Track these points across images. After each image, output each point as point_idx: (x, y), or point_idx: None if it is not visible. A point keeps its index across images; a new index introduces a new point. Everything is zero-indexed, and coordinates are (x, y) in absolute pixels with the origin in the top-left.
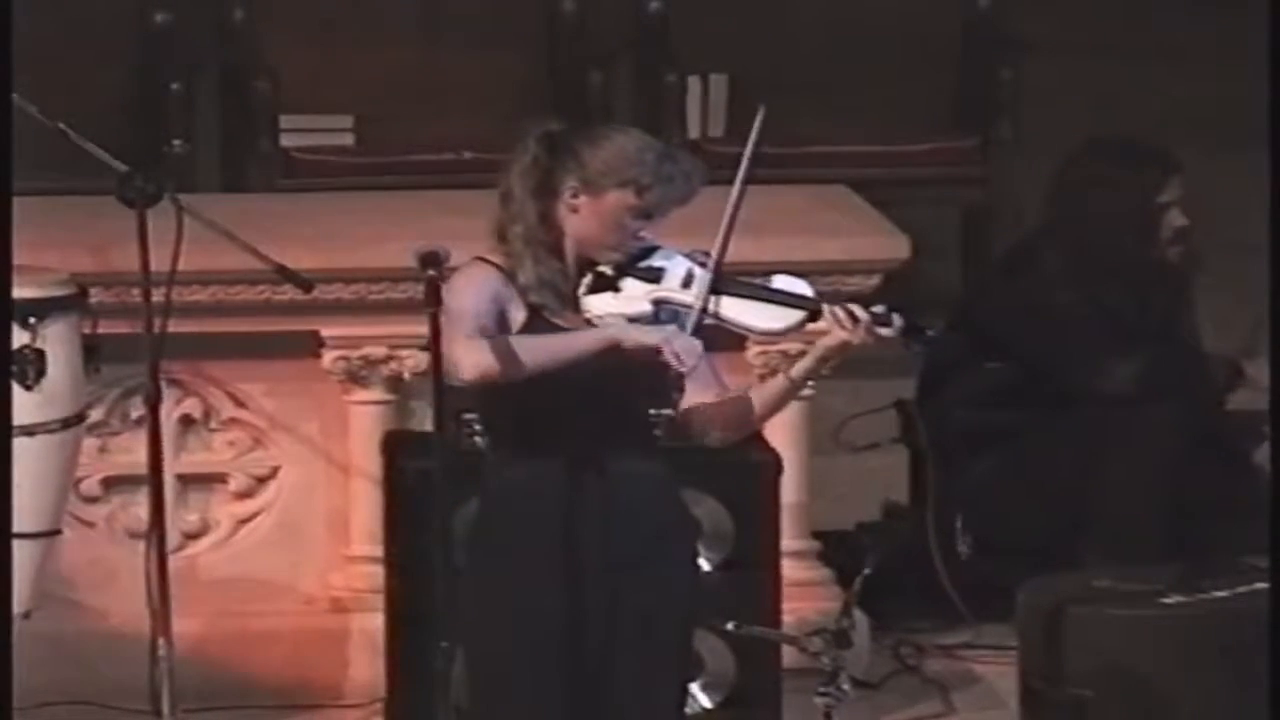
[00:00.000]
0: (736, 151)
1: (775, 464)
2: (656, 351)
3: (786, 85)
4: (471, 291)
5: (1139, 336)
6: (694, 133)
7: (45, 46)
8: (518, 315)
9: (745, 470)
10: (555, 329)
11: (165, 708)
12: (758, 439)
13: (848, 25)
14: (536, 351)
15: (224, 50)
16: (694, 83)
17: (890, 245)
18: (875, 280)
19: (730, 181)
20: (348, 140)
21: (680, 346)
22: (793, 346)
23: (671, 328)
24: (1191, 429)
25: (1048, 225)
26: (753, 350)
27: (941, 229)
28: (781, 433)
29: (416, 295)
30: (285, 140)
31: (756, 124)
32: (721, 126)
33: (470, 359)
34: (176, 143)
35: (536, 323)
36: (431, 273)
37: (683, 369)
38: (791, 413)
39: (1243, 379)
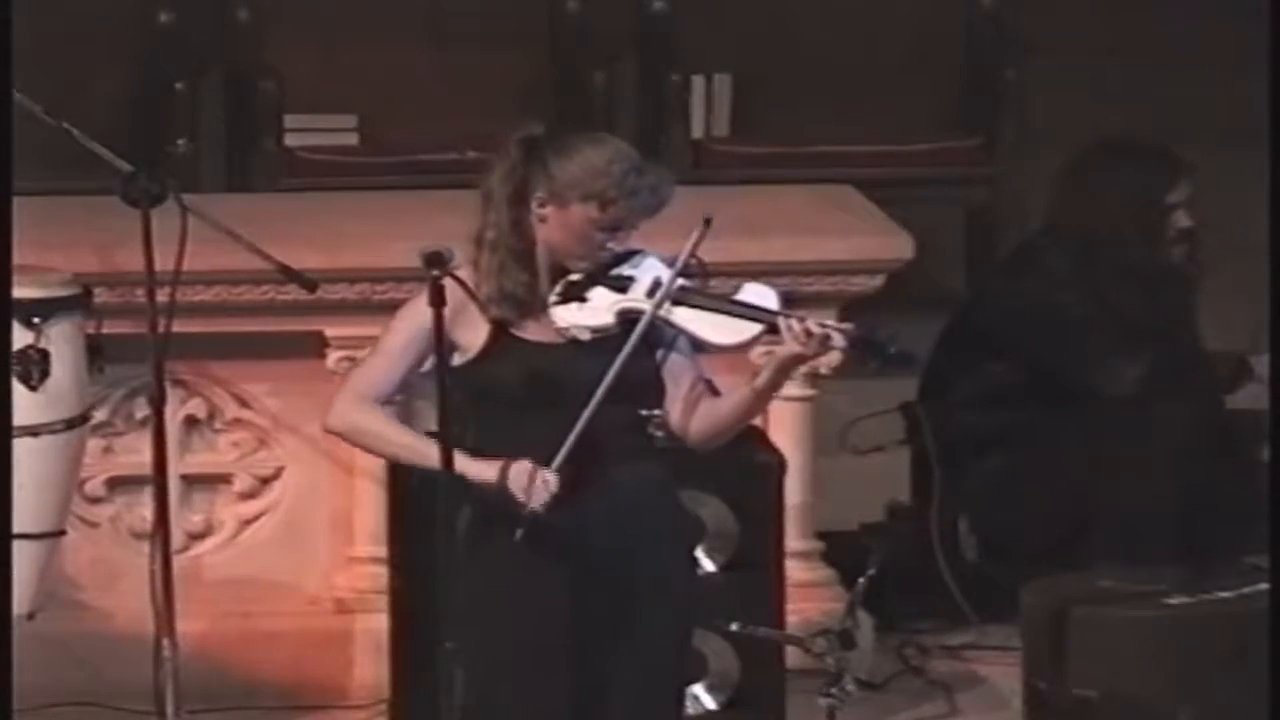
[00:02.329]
0: (740, 151)
1: (779, 464)
2: (501, 487)
3: (790, 85)
4: (401, 340)
5: (1145, 337)
6: (698, 132)
7: (49, 46)
8: (475, 337)
9: (749, 471)
10: (519, 342)
11: (169, 708)
12: (762, 439)
13: (851, 25)
14: (384, 444)
15: (228, 50)
16: (698, 82)
17: (894, 245)
18: (879, 280)
19: (733, 182)
20: (352, 140)
21: (524, 486)
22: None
23: (521, 464)
24: (1196, 429)
25: (1052, 225)
26: (757, 351)
27: (945, 229)
28: (785, 433)
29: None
30: (289, 140)
31: (696, 234)
32: (725, 126)
33: (342, 420)
34: (181, 142)
35: (500, 338)
36: (435, 273)
37: (532, 505)
38: (796, 413)
39: (1251, 375)
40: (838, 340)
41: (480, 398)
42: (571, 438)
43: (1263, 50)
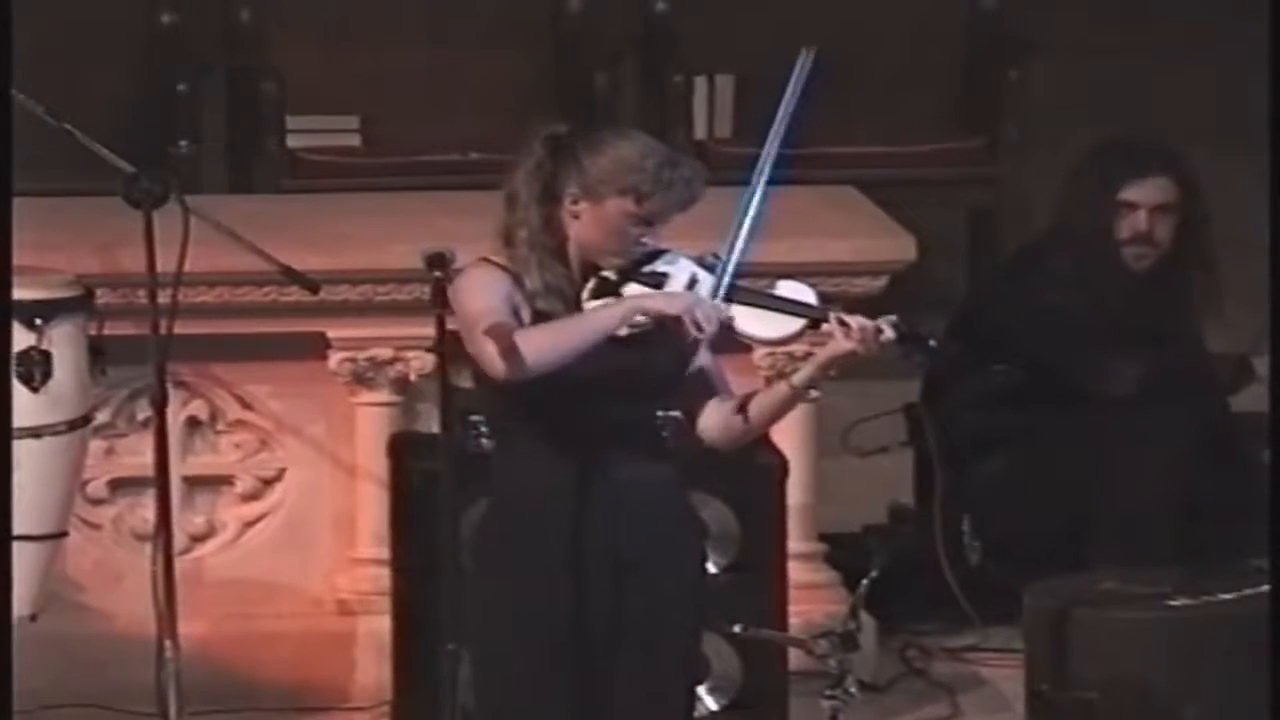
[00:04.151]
0: (743, 152)
1: (781, 466)
2: (677, 320)
3: None
4: (489, 290)
5: (1145, 338)
6: (700, 133)
7: (51, 47)
8: (525, 319)
9: (751, 472)
10: None
11: (171, 710)
12: (764, 441)
13: (853, 25)
14: (565, 334)
15: (230, 51)
16: (700, 83)
17: (897, 246)
18: (882, 281)
19: (737, 183)
20: (354, 141)
21: (701, 314)
22: (799, 349)
23: (693, 294)
24: (1198, 431)
25: (1052, 225)
26: (759, 352)
27: (948, 230)
28: (788, 435)
29: (423, 296)
30: (291, 141)
31: (801, 67)
32: (728, 127)
33: (523, 350)
34: (183, 143)
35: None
36: (438, 274)
37: (702, 336)
38: (798, 415)
39: (1252, 376)
40: (889, 334)
41: (509, 382)
42: (730, 269)
43: (1263, 50)
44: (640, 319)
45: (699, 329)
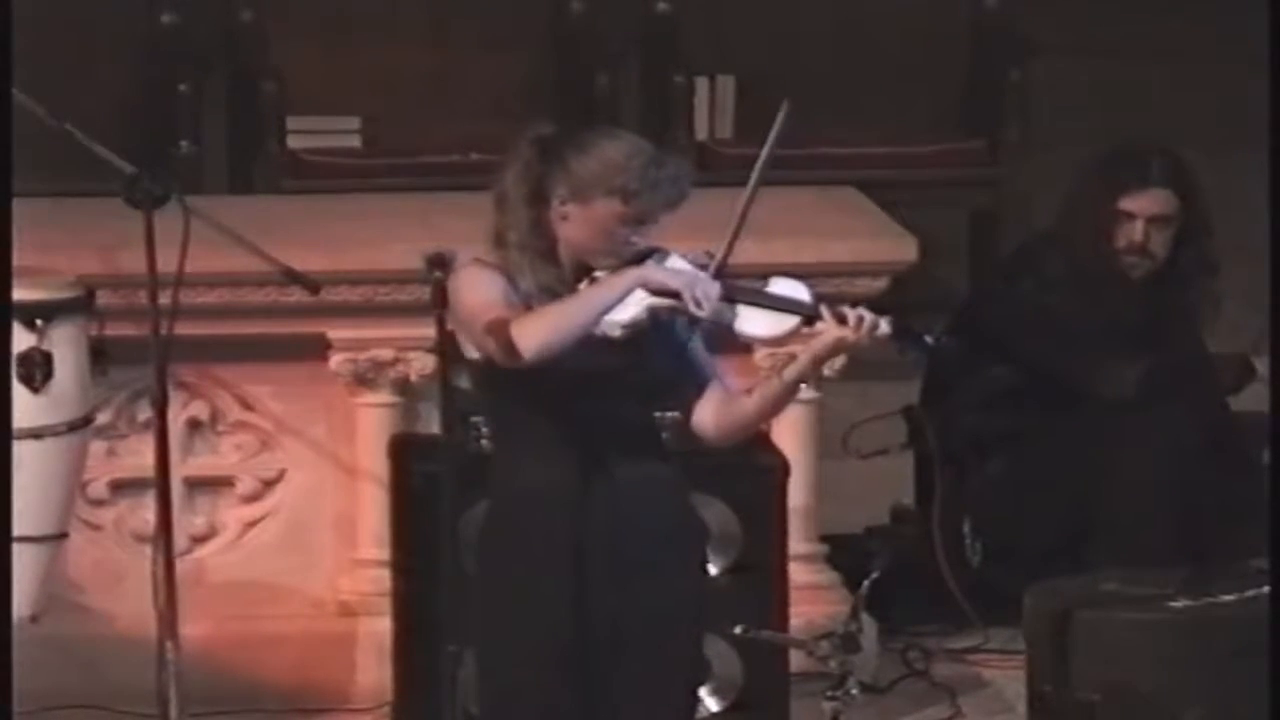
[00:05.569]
0: (744, 153)
1: (783, 467)
2: (676, 295)
3: (794, 86)
4: (488, 283)
5: (1143, 340)
6: (701, 134)
7: (52, 47)
8: None
9: (753, 473)
10: None
11: (172, 711)
12: (765, 442)
13: (856, 26)
14: (570, 312)
15: (231, 51)
16: (702, 83)
17: (898, 247)
18: (883, 282)
19: (738, 183)
20: (355, 142)
21: (701, 291)
22: (799, 348)
23: (694, 272)
24: (1198, 431)
25: (1052, 227)
26: (760, 352)
27: (949, 231)
28: (789, 435)
29: (424, 297)
30: (292, 142)
31: (777, 122)
32: (729, 127)
33: (527, 336)
34: (184, 144)
35: None
36: (439, 274)
37: (701, 314)
38: (799, 415)
39: (1253, 376)
40: (884, 328)
41: (507, 385)
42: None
43: (1263, 50)
44: (637, 315)
45: (698, 305)
